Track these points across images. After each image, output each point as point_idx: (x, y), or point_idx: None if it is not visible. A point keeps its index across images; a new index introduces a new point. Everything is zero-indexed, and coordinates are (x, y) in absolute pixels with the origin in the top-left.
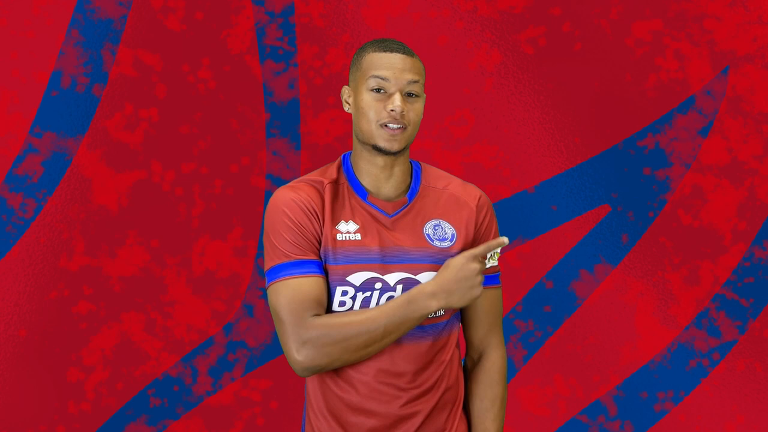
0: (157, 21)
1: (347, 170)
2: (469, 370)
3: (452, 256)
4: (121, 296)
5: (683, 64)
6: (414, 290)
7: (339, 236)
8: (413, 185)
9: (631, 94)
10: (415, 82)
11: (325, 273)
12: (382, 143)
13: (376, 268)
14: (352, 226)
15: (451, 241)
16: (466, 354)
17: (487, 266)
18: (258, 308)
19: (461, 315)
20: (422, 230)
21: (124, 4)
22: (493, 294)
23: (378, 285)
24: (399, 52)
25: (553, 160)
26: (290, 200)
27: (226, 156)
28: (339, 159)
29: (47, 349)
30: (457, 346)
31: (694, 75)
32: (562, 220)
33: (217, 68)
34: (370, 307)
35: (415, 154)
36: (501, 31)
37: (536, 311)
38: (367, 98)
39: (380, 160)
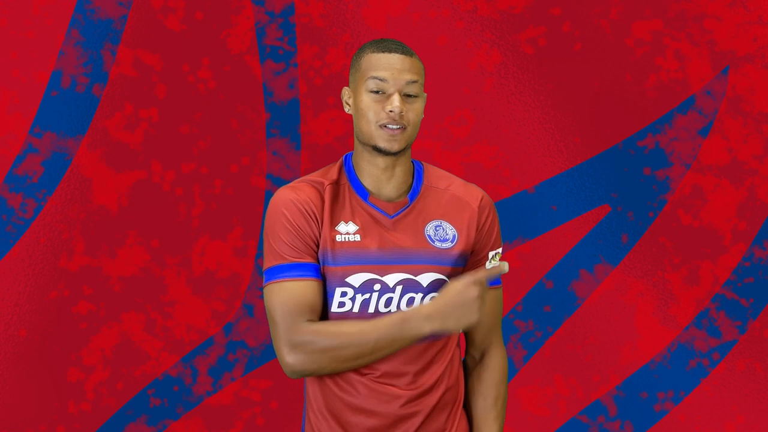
0: (157, 21)
1: (348, 171)
2: (470, 369)
3: (453, 256)
4: (121, 296)
5: (683, 64)
6: (411, 310)
7: (338, 237)
8: (415, 185)
9: (631, 94)
10: (414, 82)
11: (322, 275)
12: (382, 144)
13: (375, 270)
14: (351, 227)
15: (452, 241)
16: (467, 353)
17: (488, 267)
18: (258, 308)
19: None
20: (423, 231)
21: (124, 4)
22: (495, 294)
23: (377, 286)
24: (397, 53)
25: (553, 160)
26: (289, 201)
27: (226, 156)
28: (341, 159)
29: (47, 349)
30: (458, 345)
31: (694, 75)
32: (562, 220)
33: (217, 68)
34: (369, 308)
35: (416, 154)
36: (501, 31)
37: (536, 311)
38: (366, 99)
39: (381, 160)
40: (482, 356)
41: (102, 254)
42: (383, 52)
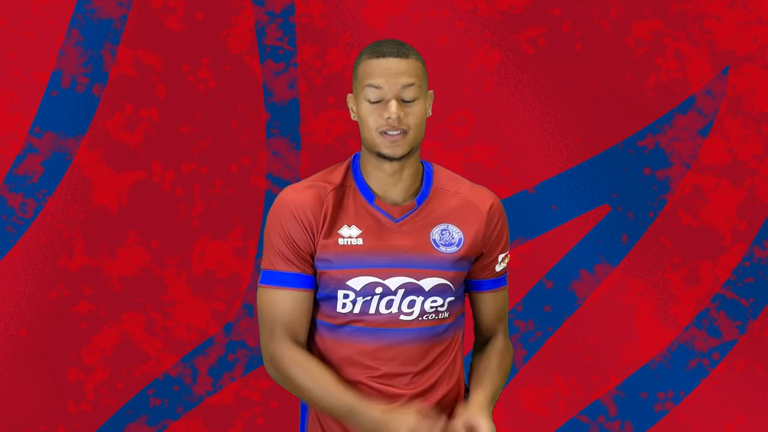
0: (157, 21)
1: (356, 172)
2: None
3: (456, 261)
4: (121, 296)
5: (683, 64)
6: (362, 407)
7: (340, 240)
8: (423, 188)
9: (631, 94)
10: (410, 85)
11: (314, 284)
12: (385, 150)
13: (376, 273)
14: (354, 231)
15: (457, 246)
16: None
17: (497, 270)
18: None
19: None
20: (429, 235)
21: (124, 4)
22: (501, 296)
23: (378, 290)
24: (391, 56)
25: (553, 160)
26: (288, 209)
27: (226, 156)
28: (348, 160)
29: (47, 349)
30: (460, 345)
31: (694, 75)
32: (562, 220)
33: (217, 68)
34: (370, 309)
35: None
36: (501, 31)
37: (536, 311)
38: (366, 108)
39: (388, 165)
40: (487, 341)
41: (102, 254)
42: (378, 57)
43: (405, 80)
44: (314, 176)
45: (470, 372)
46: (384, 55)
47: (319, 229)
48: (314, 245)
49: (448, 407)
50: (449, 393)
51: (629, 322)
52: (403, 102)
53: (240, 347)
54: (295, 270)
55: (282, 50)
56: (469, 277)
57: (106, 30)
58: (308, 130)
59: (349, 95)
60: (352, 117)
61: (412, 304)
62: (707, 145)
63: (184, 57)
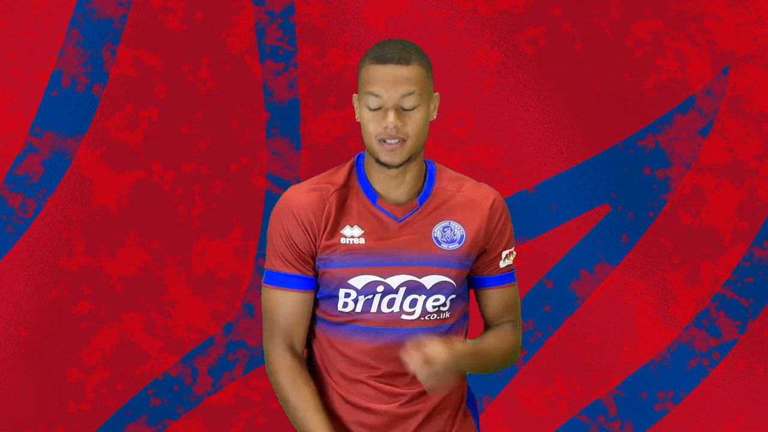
0: (157, 21)
1: (359, 172)
2: None
3: (458, 258)
4: (121, 296)
5: (683, 64)
6: None
7: (342, 240)
8: (425, 188)
9: (631, 94)
10: (410, 94)
11: (314, 286)
12: (383, 158)
13: (377, 272)
14: (356, 231)
15: (459, 242)
16: None
17: (501, 266)
18: (258, 308)
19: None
20: (430, 233)
21: (124, 4)
22: (507, 292)
23: (380, 288)
24: (392, 63)
25: (553, 160)
26: (290, 209)
27: (226, 156)
28: (352, 160)
29: (47, 349)
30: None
31: (694, 75)
32: (562, 220)
33: (217, 68)
34: (372, 308)
35: None
36: (501, 31)
37: (536, 311)
38: (366, 114)
39: (389, 170)
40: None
41: (102, 254)
42: (379, 63)
43: (404, 89)
44: (317, 177)
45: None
46: (385, 62)
47: (321, 231)
48: (315, 247)
49: (449, 408)
50: (452, 393)
51: (629, 322)
52: (402, 110)
53: (240, 347)
54: (294, 272)
55: (282, 50)
56: (473, 274)
57: (106, 30)
58: (308, 130)
59: (354, 95)
60: (356, 117)
61: (413, 304)
62: (707, 145)
63: (184, 57)
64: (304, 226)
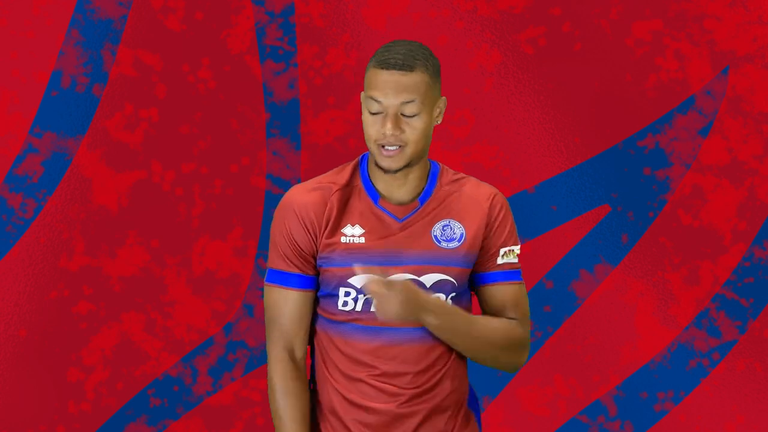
0: (157, 21)
1: (363, 172)
2: None
3: (459, 256)
4: (121, 296)
5: (683, 64)
6: None
7: (343, 239)
8: (427, 188)
9: (631, 94)
10: (410, 101)
11: (314, 285)
12: (382, 163)
13: (377, 271)
14: (357, 230)
15: (459, 241)
16: None
17: (499, 263)
18: (258, 308)
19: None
20: (430, 232)
21: (124, 4)
22: (507, 290)
23: None
24: (395, 69)
25: (553, 160)
26: (292, 207)
27: (226, 156)
28: (356, 160)
29: (47, 349)
30: None
31: (694, 75)
32: (562, 220)
33: (217, 68)
34: (371, 307)
35: None
36: (501, 31)
37: (536, 311)
38: (367, 118)
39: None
40: None
41: (102, 254)
42: (382, 68)
43: (405, 97)
44: (321, 176)
45: None
46: (388, 67)
47: (322, 230)
48: (316, 246)
49: (450, 409)
50: (452, 393)
51: (629, 322)
52: (403, 116)
53: (240, 347)
54: (295, 270)
55: (282, 50)
56: (473, 272)
57: (106, 30)
58: (308, 130)
59: (362, 93)
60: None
61: None
62: (707, 145)
63: (184, 57)
64: (306, 225)
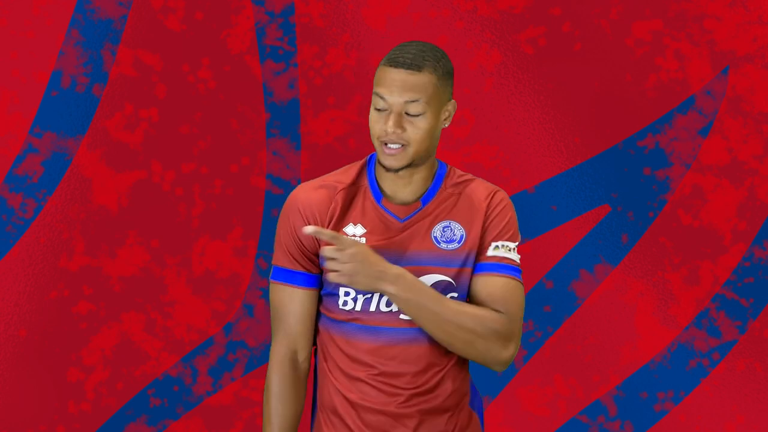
0: (157, 21)
1: (370, 172)
2: None
3: (459, 257)
4: (121, 296)
5: (683, 64)
6: None
7: None
8: (431, 189)
9: (631, 94)
10: (415, 101)
11: (317, 283)
12: (384, 161)
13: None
14: (359, 230)
15: (458, 242)
16: None
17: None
18: (258, 308)
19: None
20: (431, 233)
21: (124, 4)
22: (495, 282)
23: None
24: (403, 67)
25: (553, 160)
26: (297, 205)
27: (226, 156)
28: (364, 160)
29: (47, 349)
30: None
31: (694, 75)
32: (562, 220)
33: (217, 68)
34: (371, 307)
35: None
36: (501, 31)
37: (536, 311)
38: (372, 115)
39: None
40: None
41: (102, 254)
42: (391, 65)
43: (409, 96)
44: (328, 174)
45: None
46: (396, 65)
47: (326, 227)
48: (319, 244)
49: (450, 409)
50: (453, 394)
51: (629, 322)
52: (408, 115)
53: (240, 347)
54: (299, 268)
55: (282, 50)
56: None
57: (106, 30)
58: (308, 130)
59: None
60: None
61: None
62: (707, 145)
63: (184, 57)
64: (309, 223)
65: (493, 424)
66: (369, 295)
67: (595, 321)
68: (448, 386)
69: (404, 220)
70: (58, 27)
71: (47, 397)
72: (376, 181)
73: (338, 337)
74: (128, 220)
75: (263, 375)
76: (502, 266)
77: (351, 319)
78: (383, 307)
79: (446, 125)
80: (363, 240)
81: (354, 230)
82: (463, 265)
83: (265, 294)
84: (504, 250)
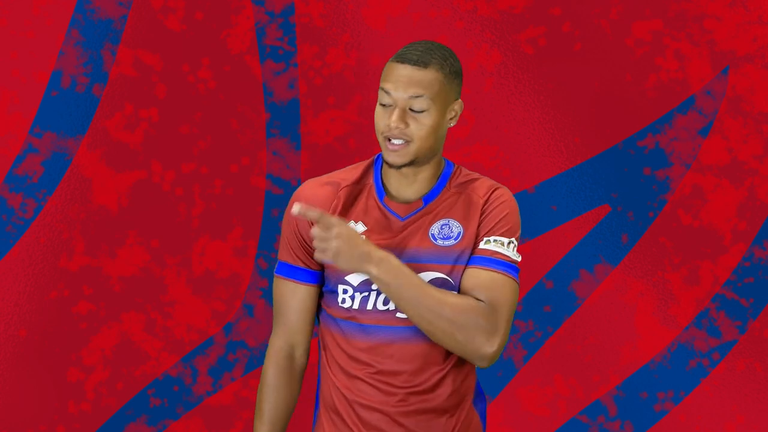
0: (157, 21)
1: (376, 171)
2: None
3: (454, 253)
4: (121, 296)
5: (683, 64)
6: None
7: None
8: (435, 188)
9: (631, 94)
10: (419, 96)
11: (318, 280)
12: (387, 157)
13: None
14: (360, 228)
15: (455, 239)
16: None
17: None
18: (258, 308)
19: None
20: (428, 230)
21: (124, 4)
22: (485, 276)
23: (375, 285)
24: (410, 63)
25: (553, 160)
26: (300, 201)
27: (226, 156)
28: (372, 158)
29: (47, 349)
30: None
31: (694, 75)
32: (562, 220)
33: (217, 68)
34: (368, 305)
35: None
36: (501, 31)
37: (536, 311)
38: (378, 109)
39: (394, 169)
40: None
41: (102, 254)
42: (398, 61)
43: (414, 91)
44: (335, 172)
45: None
46: (403, 61)
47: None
48: None
49: (451, 409)
50: (453, 395)
51: (629, 322)
52: (412, 111)
53: (240, 347)
54: (301, 264)
55: (282, 50)
56: None
57: (106, 30)
58: (308, 130)
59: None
60: None
61: None
62: (707, 145)
63: (184, 57)
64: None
65: (493, 424)
66: (366, 294)
67: (595, 321)
68: (448, 387)
69: (405, 219)
70: (58, 27)
71: (47, 397)
72: (382, 179)
73: (338, 335)
74: (128, 220)
75: None
76: (492, 260)
77: (349, 317)
78: (380, 306)
79: (452, 125)
80: (363, 238)
81: (355, 228)
82: (456, 261)
83: (266, 294)
84: (496, 244)
